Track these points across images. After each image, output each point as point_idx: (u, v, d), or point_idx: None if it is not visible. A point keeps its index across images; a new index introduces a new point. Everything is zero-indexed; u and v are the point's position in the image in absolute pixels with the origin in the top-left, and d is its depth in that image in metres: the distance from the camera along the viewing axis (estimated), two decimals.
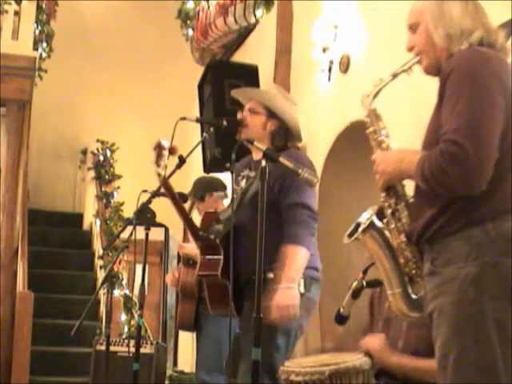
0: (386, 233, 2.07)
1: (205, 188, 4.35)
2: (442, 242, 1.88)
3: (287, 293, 2.77)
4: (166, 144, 2.74)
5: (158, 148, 2.75)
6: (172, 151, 2.75)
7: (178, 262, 9.77)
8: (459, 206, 1.86)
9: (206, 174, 5.76)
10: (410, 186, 2.07)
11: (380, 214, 2.09)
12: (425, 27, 2.05)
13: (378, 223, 2.07)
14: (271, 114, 3.11)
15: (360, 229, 2.08)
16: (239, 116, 3.14)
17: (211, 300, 3.10)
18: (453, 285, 1.83)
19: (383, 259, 2.06)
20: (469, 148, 1.77)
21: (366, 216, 2.09)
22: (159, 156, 2.75)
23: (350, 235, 2.13)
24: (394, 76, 2.12)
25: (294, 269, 2.83)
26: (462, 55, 1.94)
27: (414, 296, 2.03)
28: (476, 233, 1.83)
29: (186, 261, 4.21)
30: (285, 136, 3.12)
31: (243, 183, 3.11)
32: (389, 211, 2.07)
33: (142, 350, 4.39)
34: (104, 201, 8.37)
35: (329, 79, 5.12)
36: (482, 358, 1.79)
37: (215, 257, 2.99)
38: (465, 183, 1.81)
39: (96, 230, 8.22)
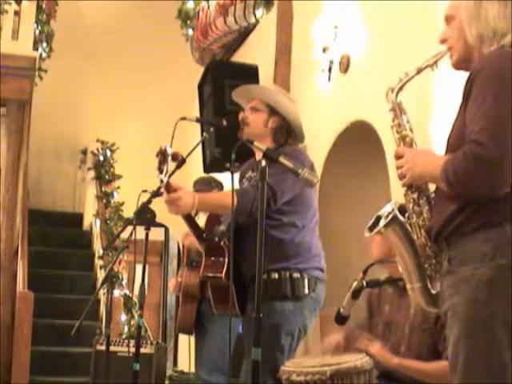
0: (408, 227, 2.06)
1: (209, 185, 4.39)
2: (460, 241, 1.88)
3: (186, 197, 2.80)
4: (169, 150, 2.73)
5: (161, 154, 2.75)
6: (174, 157, 2.75)
7: (178, 262, 9.82)
8: (478, 205, 1.85)
9: (205, 174, 5.76)
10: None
11: (402, 209, 2.09)
12: (459, 23, 2.03)
13: (401, 217, 2.07)
14: (273, 111, 3.12)
15: (383, 222, 2.07)
16: (241, 116, 3.13)
17: (215, 301, 3.12)
18: (467, 285, 1.83)
19: (404, 253, 2.06)
20: (493, 149, 1.77)
21: (388, 209, 2.08)
22: (162, 162, 2.75)
23: (371, 228, 2.12)
24: (419, 70, 2.12)
25: (209, 196, 3.22)
26: (491, 56, 1.94)
27: (433, 291, 2.03)
28: (493, 234, 1.82)
29: (190, 262, 4.22)
30: (287, 133, 3.12)
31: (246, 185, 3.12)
32: (410, 206, 2.07)
33: (142, 350, 4.40)
34: (104, 201, 8.37)
35: (329, 79, 5.12)
36: (490, 359, 1.79)
37: (219, 258, 3.00)
38: (488, 184, 1.80)
39: (96, 230, 8.21)
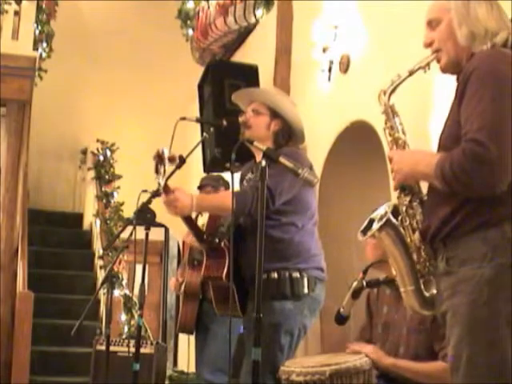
0: (401, 230, 2.06)
1: (217, 182, 4.41)
2: (458, 241, 1.87)
3: (183, 198, 2.81)
4: (165, 153, 2.75)
5: (158, 157, 2.77)
6: (171, 160, 2.77)
7: (178, 262, 9.81)
8: (475, 205, 1.85)
9: (207, 174, 5.76)
10: (424, 183, 2.05)
11: (395, 211, 2.08)
12: (447, 24, 2.02)
13: (394, 220, 2.06)
14: (275, 114, 3.12)
15: (377, 226, 2.06)
16: (242, 118, 3.13)
17: (217, 301, 3.14)
18: (468, 285, 1.82)
19: (397, 256, 2.05)
20: (492, 148, 1.76)
21: (381, 212, 2.08)
22: (158, 165, 2.77)
23: (364, 232, 2.11)
24: (411, 72, 2.10)
25: (207, 197, 3.28)
26: (484, 55, 1.93)
27: (426, 294, 2.02)
28: (493, 234, 1.82)
29: (192, 261, 4.21)
30: (288, 135, 3.12)
31: None
32: (403, 208, 2.06)
33: (142, 350, 4.39)
34: (104, 201, 8.37)
35: (329, 79, 5.12)
36: (493, 359, 1.79)
37: (220, 259, 3.01)
38: (487, 183, 1.79)
39: (96, 230, 8.22)
